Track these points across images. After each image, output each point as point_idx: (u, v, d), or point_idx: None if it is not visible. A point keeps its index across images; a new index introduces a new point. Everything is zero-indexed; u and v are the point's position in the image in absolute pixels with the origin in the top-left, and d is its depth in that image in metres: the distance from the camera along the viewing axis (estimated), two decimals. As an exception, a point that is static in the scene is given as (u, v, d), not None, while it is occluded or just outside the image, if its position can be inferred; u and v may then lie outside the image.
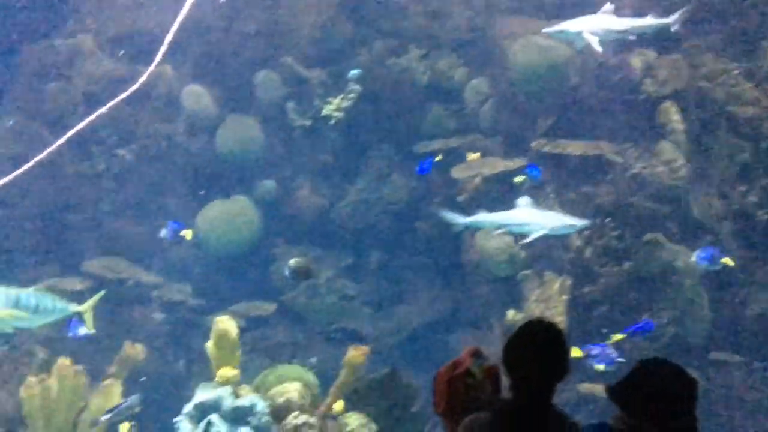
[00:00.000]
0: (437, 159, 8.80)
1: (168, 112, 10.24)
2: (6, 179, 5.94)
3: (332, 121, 9.99)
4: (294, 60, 10.02)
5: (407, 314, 9.91)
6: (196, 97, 10.16)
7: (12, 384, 7.77)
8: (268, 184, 10.26)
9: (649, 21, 8.40)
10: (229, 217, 9.92)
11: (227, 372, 7.02)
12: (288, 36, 10.15)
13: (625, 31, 8.28)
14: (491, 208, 8.22)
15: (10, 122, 9.82)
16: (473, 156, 9.25)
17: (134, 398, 7.19)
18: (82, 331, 7.69)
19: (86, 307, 7.58)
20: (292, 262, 8.11)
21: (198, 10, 10.25)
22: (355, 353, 7.15)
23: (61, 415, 7.27)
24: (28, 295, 7.14)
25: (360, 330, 9.72)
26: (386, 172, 10.16)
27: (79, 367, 7.39)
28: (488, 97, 9.82)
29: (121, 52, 9.97)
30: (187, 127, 10.22)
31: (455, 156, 9.50)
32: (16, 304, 7.05)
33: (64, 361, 7.33)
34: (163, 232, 8.87)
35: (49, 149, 5.67)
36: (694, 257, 7.81)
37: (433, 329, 9.69)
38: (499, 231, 8.02)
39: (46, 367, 7.65)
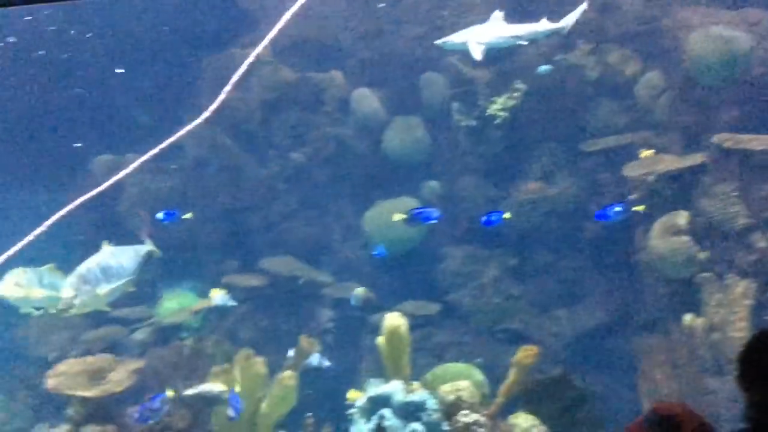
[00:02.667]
0: (505, 216, 8.51)
1: (338, 115, 10.59)
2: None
3: (497, 121, 9.95)
4: (459, 60, 10.07)
5: (575, 316, 9.70)
6: (365, 99, 10.45)
7: (198, 374, 8.28)
8: (433, 185, 10.38)
9: (541, 26, 8.49)
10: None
11: (399, 367, 7.16)
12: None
13: (516, 37, 8.52)
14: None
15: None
16: (647, 153, 8.92)
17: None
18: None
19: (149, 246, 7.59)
20: (358, 291, 8.96)
21: (367, 15, 10.59)
22: (525, 354, 7.10)
23: (243, 404, 7.66)
24: (104, 256, 7.05)
25: (526, 331, 9.63)
26: (552, 171, 10.01)
27: (259, 359, 7.76)
28: (663, 90, 9.45)
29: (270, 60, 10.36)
30: (356, 130, 10.53)
31: (626, 153, 9.20)
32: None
33: (245, 353, 7.73)
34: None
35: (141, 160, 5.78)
36: None
37: (603, 332, 9.43)
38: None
39: (228, 358, 8.09)
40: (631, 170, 8.95)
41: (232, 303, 8.63)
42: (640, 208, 8.25)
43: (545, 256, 10.10)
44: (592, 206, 9.57)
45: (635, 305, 9.16)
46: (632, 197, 8.88)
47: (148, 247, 7.45)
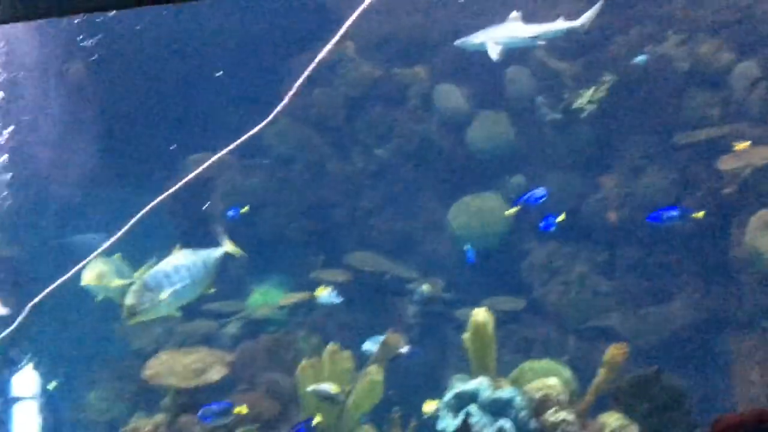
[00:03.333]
0: (560, 219, 8.26)
1: (422, 111, 10.61)
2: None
3: (584, 114, 9.79)
4: (546, 53, 9.94)
5: (666, 314, 9.45)
6: (449, 94, 10.44)
7: (287, 365, 8.45)
8: (519, 179, 10.28)
9: (558, 25, 8.40)
10: (479, 212, 10.07)
11: (485, 363, 7.13)
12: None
13: (534, 37, 8.54)
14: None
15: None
16: (741, 145, 8.61)
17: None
18: None
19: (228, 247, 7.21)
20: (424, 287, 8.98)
21: (451, 10, 10.56)
22: (616, 352, 6.96)
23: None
24: (168, 262, 6.78)
25: (615, 328, 9.44)
26: (642, 165, 9.77)
27: (347, 353, 7.86)
28: (758, 80, 9.11)
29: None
30: (440, 125, 10.53)
31: (720, 146, 8.91)
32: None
33: (333, 346, 7.85)
34: None
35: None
36: None
37: (696, 331, 9.16)
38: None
39: (317, 351, 8.23)
40: (725, 163, 8.67)
41: (337, 300, 8.76)
42: (699, 215, 7.92)
43: (635, 252, 9.88)
44: (684, 201, 9.33)
45: (730, 303, 8.87)
46: (726, 191, 8.60)
47: (224, 249, 7.11)
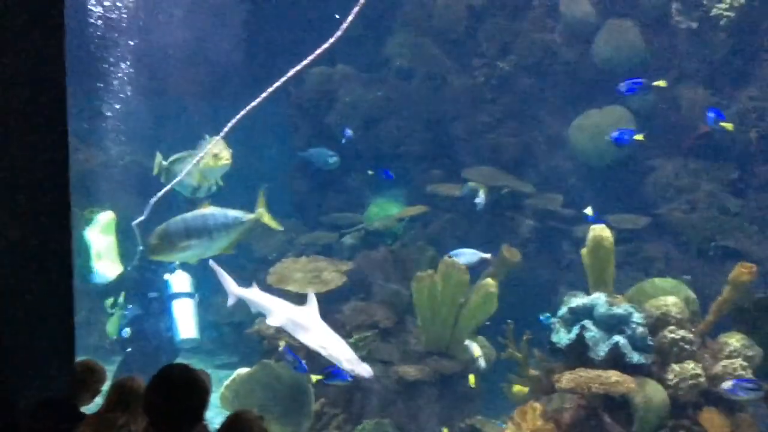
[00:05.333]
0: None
1: (547, 20, 10.24)
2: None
3: (722, 22, 9.18)
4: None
5: (800, 235, 8.99)
6: (575, 2, 10.01)
7: (403, 276, 8.61)
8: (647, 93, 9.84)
9: None
10: (605, 127, 9.74)
11: (602, 280, 7.04)
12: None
13: None
14: None
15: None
16: None
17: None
18: None
19: (259, 213, 7.14)
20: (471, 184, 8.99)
21: None
22: (742, 271, 6.71)
23: (445, 308, 7.92)
24: (195, 216, 6.88)
25: (741, 249, 9.05)
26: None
27: (462, 266, 7.91)
28: None
29: None
30: (565, 36, 10.14)
31: None
32: (186, 229, 6.83)
33: (448, 259, 7.93)
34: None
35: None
36: None
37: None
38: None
39: (433, 263, 8.33)
40: None
41: (481, 203, 8.88)
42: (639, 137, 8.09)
43: (769, 170, 9.38)
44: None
45: None
46: None
47: (254, 217, 7.06)
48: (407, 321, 8.37)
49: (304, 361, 7.15)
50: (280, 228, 7.52)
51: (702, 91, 9.62)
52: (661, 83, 8.27)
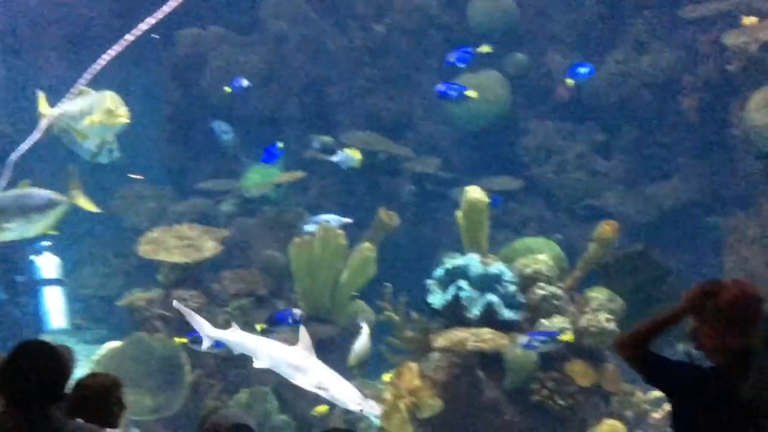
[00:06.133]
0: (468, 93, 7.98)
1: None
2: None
3: (588, -12, 9.43)
4: None
5: (662, 193, 9.42)
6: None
7: (281, 243, 8.50)
8: (519, 57, 10.04)
9: None
10: (479, 90, 9.88)
11: (477, 240, 7.16)
12: None
13: None
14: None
15: None
16: (749, 20, 8.32)
17: None
18: None
19: (73, 195, 7.01)
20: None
21: None
22: (606, 228, 6.97)
23: (323, 273, 7.88)
24: (10, 197, 6.70)
25: (609, 208, 9.44)
26: (647, 41, 9.50)
27: (340, 231, 7.89)
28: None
29: None
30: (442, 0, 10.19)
31: (727, 20, 8.62)
32: None
33: (326, 224, 7.87)
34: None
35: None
36: None
37: (691, 209, 9.16)
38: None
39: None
40: (731, 38, 8.40)
41: (354, 163, 8.63)
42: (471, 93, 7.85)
43: (635, 132, 9.77)
44: (689, 79, 9.13)
45: (726, 181, 8.81)
46: (730, 67, 8.39)
47: (68, 200, 6.83)
48: (285, 287, 8.29)
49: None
50: (96, 209, 7.19)
51: (571, 55, 9.88)
52: (486, 49, 8.29)
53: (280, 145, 8.35)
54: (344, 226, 7.94)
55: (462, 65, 8.40)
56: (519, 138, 10.03)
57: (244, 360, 7.24)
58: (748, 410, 2.74)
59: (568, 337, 6.51)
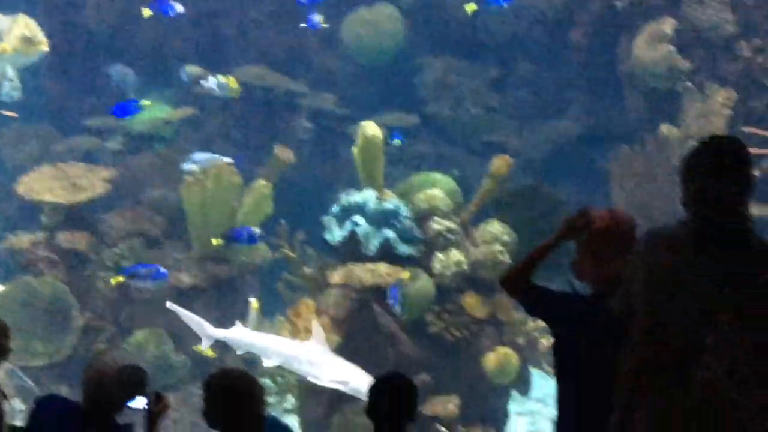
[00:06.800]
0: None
1: None
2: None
3: None
4: None
5: (555, 128, 9.62)
6: None
7: (173, 182, 8.23)
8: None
9: None
10: (374, 25, 9.74)
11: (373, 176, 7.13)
12: None
13: None
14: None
15: None
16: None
17: None
18: None
19: None
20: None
21: None
22: (499, 163, 7.06)
23: (217, 212, 7.70)
24: None
25: (504, 143, 9.57)
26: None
27: (232, 168, 7.69)
28: None
29: None
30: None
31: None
32: None
33: (219, 161, 7.65)
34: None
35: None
36: None
37: (582, 143, 9.39)
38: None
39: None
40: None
41: (232, 94, 8.29)
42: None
43: (528, 67, 9.88)
44: (581, 15, 9.25)
45: (615, 116, 9.06)
46: (619, 3, 8.53)
47: None
48: (178, 227, 8.07)
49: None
50: None
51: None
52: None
53: (145, 102, 7.92)
54: (240, 164, 7.75)
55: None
56: (415, 74, 9.99)
57: (137, 300, 7.05)
58: (619, 329, 2.81)
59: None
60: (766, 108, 7.56)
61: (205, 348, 6.51)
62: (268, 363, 6.19)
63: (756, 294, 2.69)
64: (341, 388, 5.99)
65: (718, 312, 2.67)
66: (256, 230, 6.93)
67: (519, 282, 3.21)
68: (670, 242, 2.75)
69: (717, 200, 2.69)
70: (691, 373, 2.65)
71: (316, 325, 6.26)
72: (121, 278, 6.81)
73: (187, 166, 7.51)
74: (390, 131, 7.94)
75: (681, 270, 2.71)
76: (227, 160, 7.59)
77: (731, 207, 2.71)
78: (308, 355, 6.12)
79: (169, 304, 6.61)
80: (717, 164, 2.71)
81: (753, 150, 6.87)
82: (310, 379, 6.12)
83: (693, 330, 2.68)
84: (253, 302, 6.89)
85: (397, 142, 8.11)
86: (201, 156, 7.59)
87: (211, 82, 8.07)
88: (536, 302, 3.24)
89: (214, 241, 6.76)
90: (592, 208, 3.20)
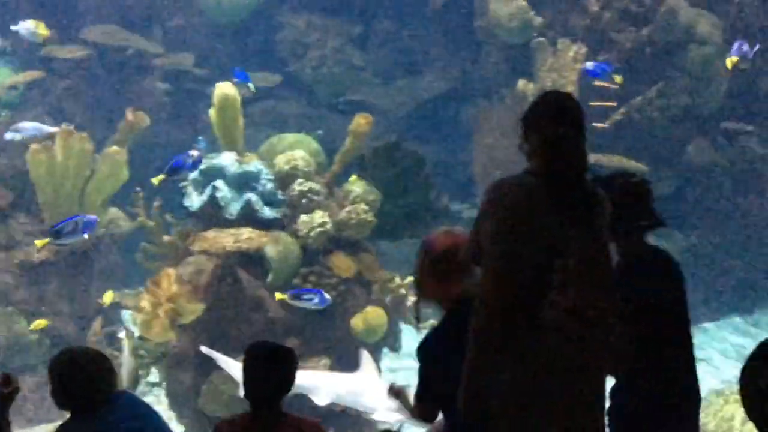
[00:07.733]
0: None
1: None
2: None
3: None
4: None
5: (416, 85, 9.67)
6: None
7: (17, 152, 7.73)
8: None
9: None
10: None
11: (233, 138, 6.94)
12: None
13: None
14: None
15: None
16: None
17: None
18: None
19: None
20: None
21: None
22: (361, 121, 7.01)
23: (69, 182, 7.30)
24: None
25: (367, 102, 9.54)
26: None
27: (83, 134, 7.30)
28: None
29: None
30: None
31: None
32: None
33: (67, 128, 7.24)
34: None
35: None
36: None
37: (443, 100, 9.49)
38: None
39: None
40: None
41: (40, 37, 7.73)
42: None
43: (390, 25, 9.85)
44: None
45: (475, 73, 9.18)
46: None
47: None
48: (27, 198, 7.60)
49: None
50: None
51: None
52: None
53: None
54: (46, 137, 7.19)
55: None
56: (276, 32, 9.76)
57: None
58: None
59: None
60: (614, 61, 7.85)
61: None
62: (318, 401, 5.66)
63: (593, 235, 2.83)
64: (405, 420, 5.11)
65: (563, 252, 2.77)
66: (196, 153, 6.44)
67: None
68: (516, 189, 2.84)
69: (558, 148, 2.81)
70: (539, 313, 2.74)
71: (366, 355, 5.79)
72: (47, 240, 6.30)
73: (10, 136, 7.02)
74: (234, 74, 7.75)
75: (527, 214, 2.80)
76: (53, 130, 7.10)
77: (571, 154, 2.83)
78: (364, 388, 5.59)
79: (204, 349, 5.96)
80: (557, 115, 2.85)
81: (599, 102, 7.21)
82: (369, 413, 5.56)
83: (540, 271, 2.77)
84: (125, 342, 5.80)
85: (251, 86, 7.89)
86: (25, 125, 7.12)
87: (21, 26, 7.56)
88: None
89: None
90: (428, 239, 3.18)
